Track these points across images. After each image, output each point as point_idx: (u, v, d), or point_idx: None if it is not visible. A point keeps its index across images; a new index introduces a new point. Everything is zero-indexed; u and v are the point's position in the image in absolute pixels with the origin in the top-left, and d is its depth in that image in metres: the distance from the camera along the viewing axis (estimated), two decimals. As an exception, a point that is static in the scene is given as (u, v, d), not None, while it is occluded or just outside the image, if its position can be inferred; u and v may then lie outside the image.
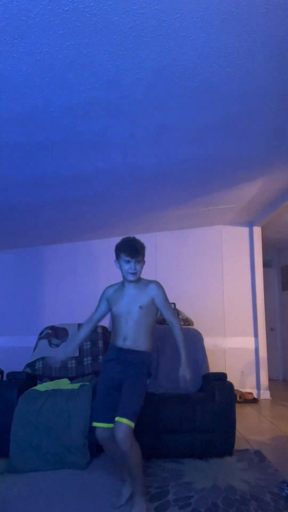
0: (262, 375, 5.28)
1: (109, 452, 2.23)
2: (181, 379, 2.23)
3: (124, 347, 2.24)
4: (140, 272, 2.29)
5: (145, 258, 2.30)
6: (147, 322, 2.29)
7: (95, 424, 2.18)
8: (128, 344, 2.25)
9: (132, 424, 2.03)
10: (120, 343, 2.26)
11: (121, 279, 2.34)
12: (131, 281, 2.27)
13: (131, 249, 2.23)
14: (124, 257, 2.23)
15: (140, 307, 2.26)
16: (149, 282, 2.33)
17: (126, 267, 2.24)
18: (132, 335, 2.25)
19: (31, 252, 5.57)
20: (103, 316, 2.43)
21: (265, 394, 5.24)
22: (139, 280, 2.31)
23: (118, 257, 2.28)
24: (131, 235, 2.33)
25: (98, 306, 2.41)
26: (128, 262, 2.23)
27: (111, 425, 2.09)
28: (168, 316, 2.32)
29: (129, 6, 1.59)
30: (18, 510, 2.13)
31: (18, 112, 2.25)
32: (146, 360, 2.26)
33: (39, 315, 5.30)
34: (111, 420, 2.09)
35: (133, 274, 2.23)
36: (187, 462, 2.80)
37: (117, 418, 2.04)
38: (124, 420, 2.02)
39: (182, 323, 4.73)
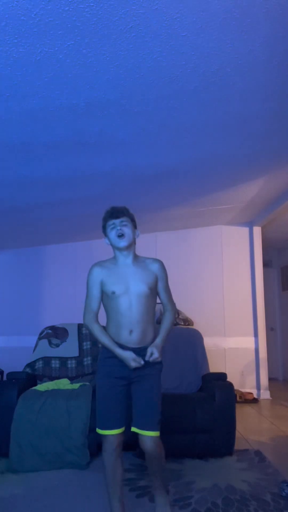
0: (262, 375, 5.29)
1: (111, 468, 1.86)
2: (148, 352, 1.87)
3: (131, 342, 1.89)
4: (132, 237, 1.94)
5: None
6: (153, 307, 1.96)
7: (105, 432, 1.86)
8: (135, 337, 1.88)
9: (159, 432, 1.86)
10: (125, 337, 1.88)
11: None
12: (123, 248, 1.91)
13: (111, 211, 1.94)
14: (109, 223, 1.93)
15: (149, 287, 1.91)
16: (150, 259, 2.01)
17: (112, 233, 1.92)
18: (140, 325, 1.88)
19: (31, 252, 5.57)
20: (100, 304, 2.00)
21: (265, 394, 5.24)
22: (136, 257, 1.99)
23: (105, 231, 1.97)
24: None
25: (90, 293, 1.96)
26: (113, 227, 1.92)
27: (122, 429, 1.88)
28: (166, 298, 2.02)
29: (129, 6, 1.59)
30: (18, 510, 2.13)
31: (18, 112, 2.25)
32: (160, 355, 1.91)
33: (39, 315, 5.30)
34: (123, 424, 1.89)
35: (121, 236, 1.89)
36: (187, 462, 2.80)
37: (146, 432, 1.82)
38: (154, 433, 1.83)
39: (182, 323, 4.73)
